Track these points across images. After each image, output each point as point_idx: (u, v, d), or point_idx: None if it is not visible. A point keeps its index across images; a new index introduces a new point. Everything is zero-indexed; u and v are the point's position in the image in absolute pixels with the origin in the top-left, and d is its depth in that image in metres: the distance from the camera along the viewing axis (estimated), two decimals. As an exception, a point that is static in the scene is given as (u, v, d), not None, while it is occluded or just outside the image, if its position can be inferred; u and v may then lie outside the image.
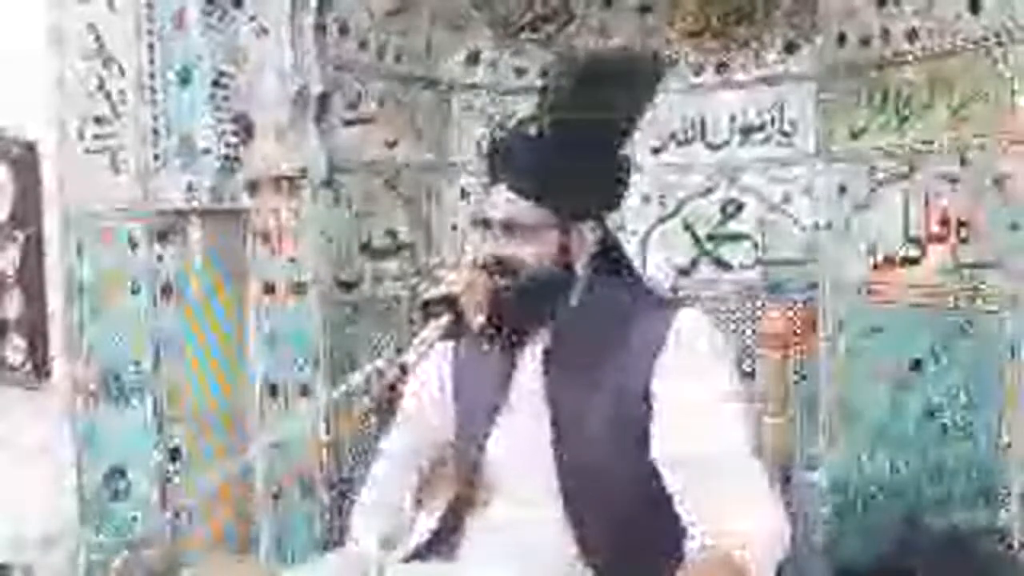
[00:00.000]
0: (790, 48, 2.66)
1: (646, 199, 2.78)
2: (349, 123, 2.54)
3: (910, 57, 2.34)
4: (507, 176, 1.46)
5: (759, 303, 2.67)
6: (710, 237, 2.76)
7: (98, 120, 2.56)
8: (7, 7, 2.81)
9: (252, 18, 2.43)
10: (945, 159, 2.29)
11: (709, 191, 2.75)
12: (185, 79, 2.45)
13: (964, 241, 2.26)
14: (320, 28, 2.41)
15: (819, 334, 2.54)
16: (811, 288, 2.61)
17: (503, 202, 1.45)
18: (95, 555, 2.65)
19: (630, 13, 2.74)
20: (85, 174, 2.60)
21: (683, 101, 2.75)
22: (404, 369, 1.32)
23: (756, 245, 2.72)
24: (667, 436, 1.37)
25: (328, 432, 2.45)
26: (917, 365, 2.37)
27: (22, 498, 2.84)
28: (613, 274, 1.53)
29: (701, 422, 1.36)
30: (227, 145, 2.46)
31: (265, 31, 2.41)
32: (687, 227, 2.78)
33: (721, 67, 2.74)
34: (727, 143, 2.74)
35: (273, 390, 2.50)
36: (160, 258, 2.51)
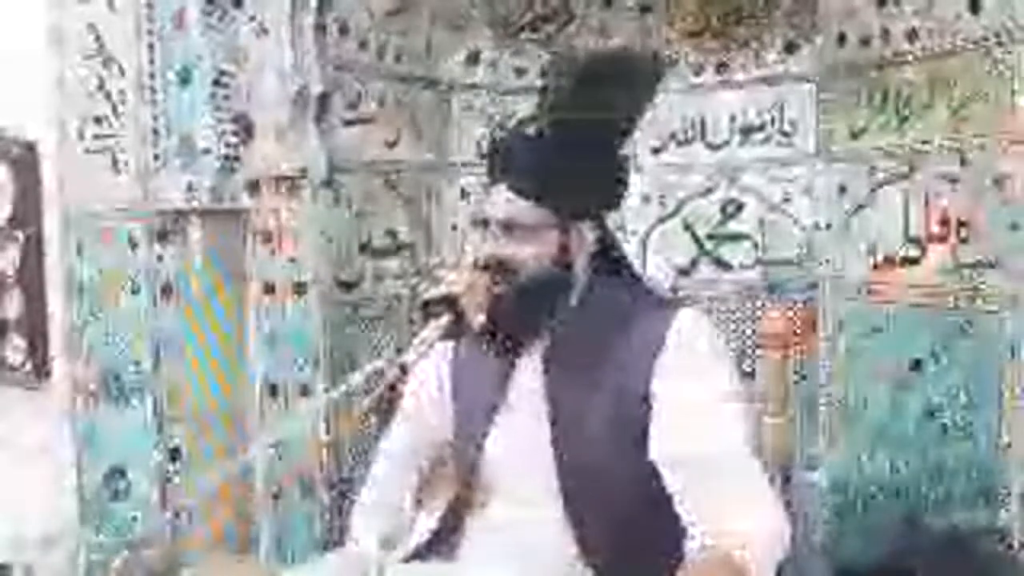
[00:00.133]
0: (790, 48, 2.65)
1: (646, 199, 2.78)
2: (349, 123, 2.54)
3: (910, 57, 2.34)
4: (507, 176, 1.47)
5: (759, 303, 2.67)
6: (710, 237, 2.76)
7: (98, 120, 2.57)
8: (7, 7, 2.81)
9: (252, 18, 2.42)
10: (945, 159, 2.28)
11: (709, 191, 2.75)
12: (185, 79, 2.45)
13: (964, 241, 2.26)
14: (320, 28, 2.40)
15: (819, 334, 2.54)
16: (811, 288, 2.61)
17: (503, 202, 1.45)
18: (95, 555, 2.65)
19: (630, 13, 2.74)
20: (85, 174, 2.60)
21: (683, 101, 2.75)
22: (404, 369, 1.32)
23: (756, 245, 2.72)
24: (667, 436, 1.37)
25: (328, 432, 2.45)
26: (917, 365, 2.37)
27: (22, 498, 2.84)
28: (613, 274, 1.53)
29: (701, 422, 1.36)
30: (227, 145, 2.46)
31: (265, 31, 2.41)
32: (687, 227, 2.78)
33: (721, 67, 2.74)
34: (727, 143, 2.74)
35: (273, 390, 2.50)
36: (160, 258, 2.51)
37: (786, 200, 2.68)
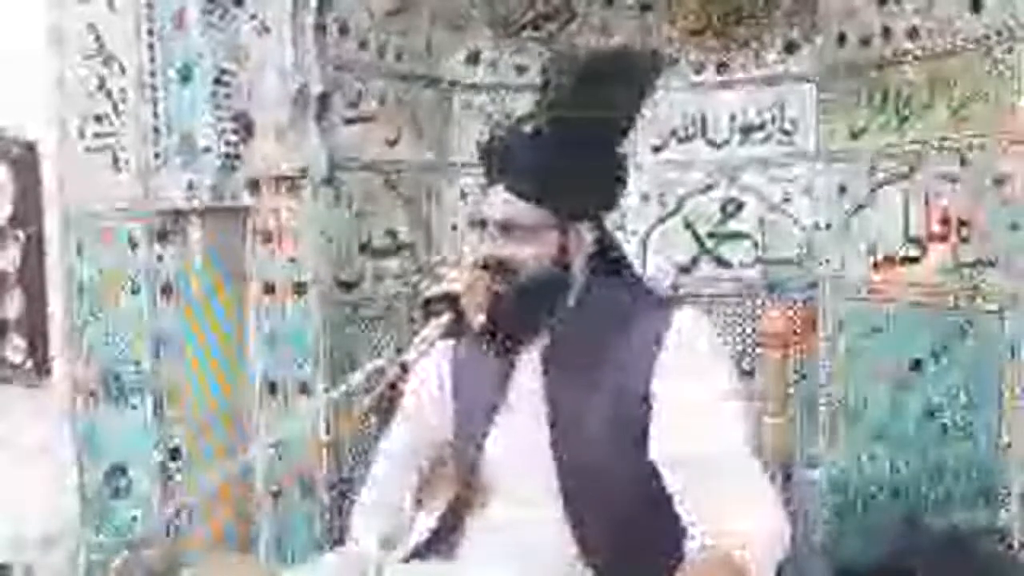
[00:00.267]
0: (790, 48, 2.65)
1: (646, 198, 2.78)
2: (349, 122, 2.54)
3: (910, 57, 2.34)
4: (505, 177, 1.46)
5: (759, 302, 2.67)
6: (710, 235, 2.76)
7: (98, 119, 2.57)
8: (7, 7, 2.81)
9: (253, 17, 2.42)
10: (945, 159, 2.28)
11: (709, 188, 2.75)
12: (186, 78, 2.45)
13: (964, 241, 2.26)
14: (320, 27, 2.40)
15: (819, 334, 2.54)
16: (811, 288, 2.61)
17: (501, 203, 1.45)
18: (95, 555, 2.65)
19: (631, 11, 2.74)
20: (85, 174, 2.60)
21: (684, 100, 2.75)
22: (404, 368, 1.32)
23: (756, 244, 2.72)
24: (667, 436, 1.37)
25: (328, 432, 2.45)
26: (917, 365, 2.37)
27: (22, 498, 2.84)
28: (611, 274, 1.53)
29: (701, 422, 1.36)
30: (227, 144, 2.45)
31: (266, 30, 2.41)
32: (687, 225, 2.78)
33: (721, 66, 2.74)
34: (727, 142, 2.74)
35: (273, 390, 2.50)
36: (160, 258, 2.51)
37: (786, 200, 2.68)
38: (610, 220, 1.59)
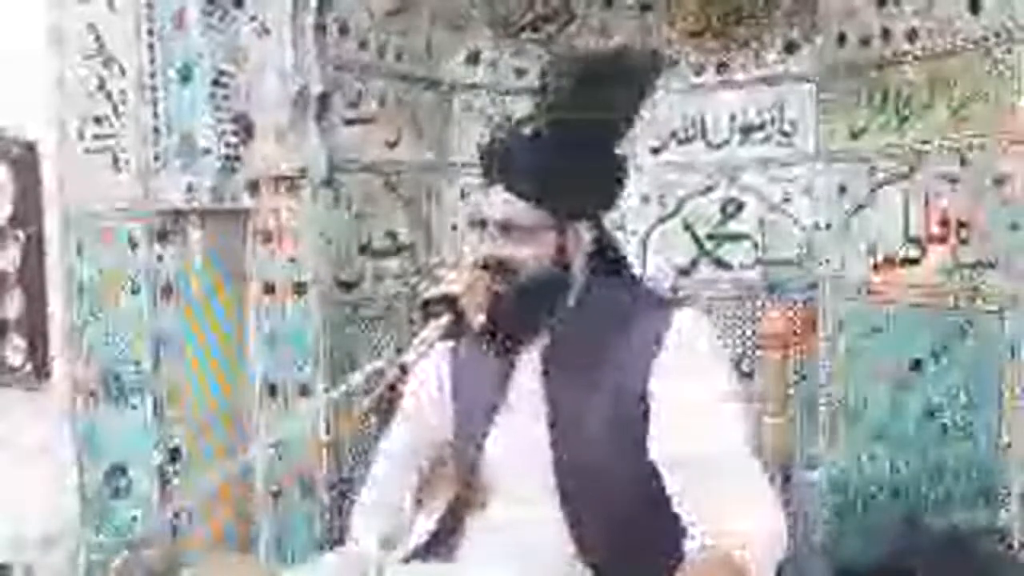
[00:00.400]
0: (790, 48, 2.66)
1: (646, 199, 2.78)
2: (349, 123, 2.54)
3: (910, 57, 2.34)
4: (504, 177, 1.46)
5: (759, 303, 2.67)
6: (710, 237, 2.77)
7: (98, 120, 2.56)
8: (7, 7, 2.81)
9: (253, 18, 2.42)
10: (945, 159, 2.28)
11: (709, 189, 2.76)
12: (186, 78, 2.45)
13: (964, 241, 2.26)
14: (320, 28, 2.41)
15: (819, 334, 2.54)
16: (811, 288, 2.61)
17: (500, 203, 1.45)
18: (95, 555, 2.65)
19: (631, 12, 2.75)
20: (85, 174, 2.60)
21: (683, 100, 2.75)
22: (404, 369, 1.32)
23: (756, 245, 2.72)
24: (666, 436, 1.37)
25: (328, 432, 2.45)
26: (917, 365, 2.37)
27: (22, 498, 2.84)
28: (610, 274, 1.53)
29: (700, 422, 1.36)
30: (227, 145, 2.46)
31: (266, 31, 2.41)
32: (687, 227, 2.78)
33: (721, 67, 2.74)
34: (727, 142, 2.74)
35: (273, 390, 2.50)
36: (160, 258, 2.51)
37: (786, 200, 2.68)
38: (610, 221, 1.59)
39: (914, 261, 2.39)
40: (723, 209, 2.75)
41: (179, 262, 2.51)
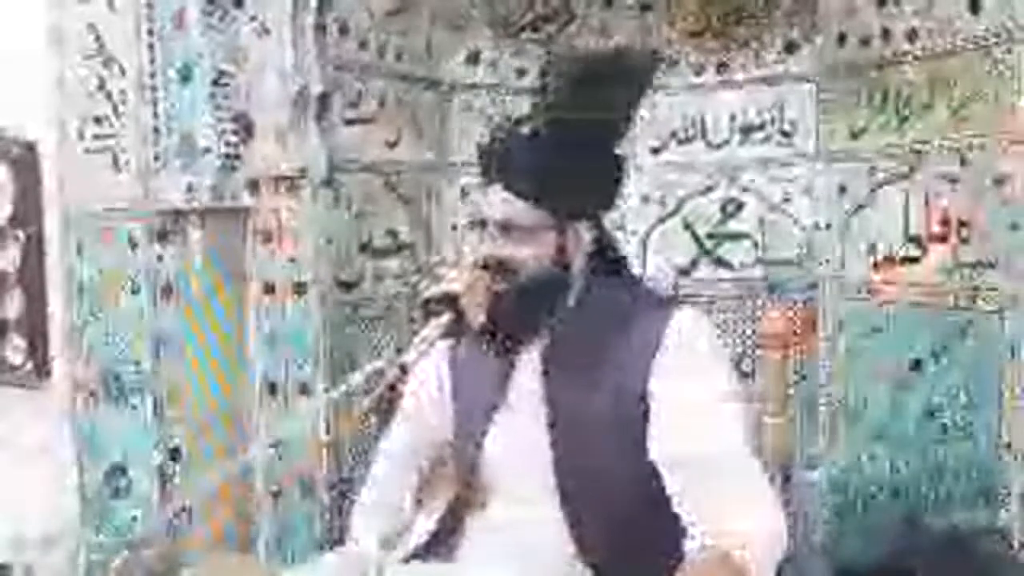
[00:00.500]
0: (790, 48, 2.66)
1: (646, 199, 2.78)
2: (349, 123, 2.54)
3: (910, 57, 2.34)
4: (504, 177, 1.46)
5: (759, 303, 2.67)
6: (710, 236, 2.76)
7: (98, 120, 2.57)
8: (7, 7, 2.81)
9: (253, 18, 2.42)
10: (945, 159, 2.28)
11: (709, 189, 2.76)
12: (186, 78, 2.45)
13: (964, 241, 2.26)
14: (320, 28, 2.40)
15: (819, 334, 2.54)
16: (811, 288, 2.61)
17: (499, 203, 1.45)
18: (95, 555, 2.65)
19: (631, 12, 2.75)
20: (85, 174, 2.60)
21: (683, 100, 2.75)
22: (404, 369, 1.32)
23: (756, 245, 2.72)
24: (666, 436, 1.37)
25: (328, 432, 2.45)
26: (917, 365, 2.37)
27: (22, 498, 2.84)
28: (610, 274, 1.53)
29: (700, 422, 1.36)
30: (227, 145, 2.46)
31: (266, 31, 2.41)
32: (687, 226, 2.78)
33: (721, 67, 2.74)
34: (727, 142, 2.74)
35: (273, 390, 2.50)
36: (160, 258, 2.51)
37: (786, 200, 2.68)
38: (610, 221, 1.59)
39: (914, 261, 2.39)
40: (723, 209, 2.75)
41: (179, 262, 2.51)
